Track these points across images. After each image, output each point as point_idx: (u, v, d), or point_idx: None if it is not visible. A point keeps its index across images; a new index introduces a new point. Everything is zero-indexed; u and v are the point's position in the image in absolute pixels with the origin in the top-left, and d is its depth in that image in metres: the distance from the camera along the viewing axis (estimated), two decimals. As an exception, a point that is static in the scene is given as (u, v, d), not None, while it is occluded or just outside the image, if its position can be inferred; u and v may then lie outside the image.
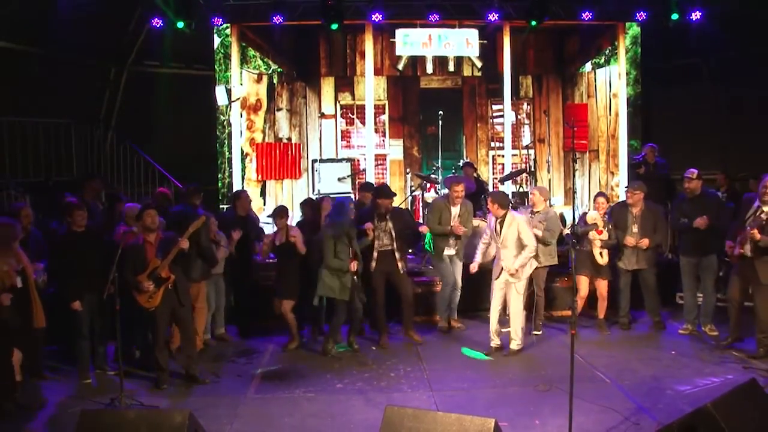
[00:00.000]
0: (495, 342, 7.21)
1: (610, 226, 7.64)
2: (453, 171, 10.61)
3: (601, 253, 7.60)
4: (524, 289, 7.12)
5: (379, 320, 7.58)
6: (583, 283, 7.65)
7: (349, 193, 11.14)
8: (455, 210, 7.79)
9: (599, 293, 7.77)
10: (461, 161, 11.00)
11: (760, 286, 6.64)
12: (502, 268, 7.02)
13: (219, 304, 7.70)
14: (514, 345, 7.11)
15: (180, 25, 9.61)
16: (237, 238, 7.54)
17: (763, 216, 6.47)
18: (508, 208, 7.07)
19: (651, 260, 7.77)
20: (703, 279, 7.55)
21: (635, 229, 7.64)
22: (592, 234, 7.52)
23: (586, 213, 7.88)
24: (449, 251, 7.83)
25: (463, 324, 8.07)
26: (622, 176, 11.24)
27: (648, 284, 7.83)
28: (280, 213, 7.46)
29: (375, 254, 7.41)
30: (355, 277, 7.13)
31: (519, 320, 7.07)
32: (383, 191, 7.62)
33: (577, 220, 7.71)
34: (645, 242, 7.56)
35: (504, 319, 7.25)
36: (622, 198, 11.01)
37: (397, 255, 7.44)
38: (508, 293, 7.07)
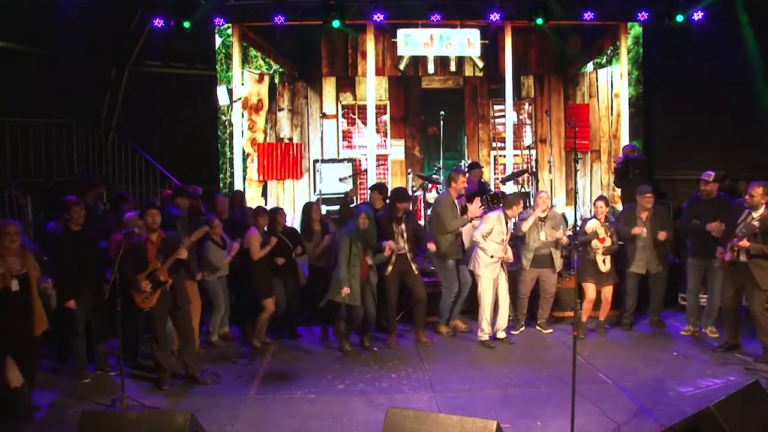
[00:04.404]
0: (498, 333, 7.57)
1: (612, 231, 7.63)
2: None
3: (604, 260, 7.59)
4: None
5: (390, 320, 7.60)
6: (589, 289, 7.63)
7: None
8: (459, 203, 7.80)
9: (604, 297, 7.75)
10: (463, 161, 11.00)
11: (757, 291, 6.61)
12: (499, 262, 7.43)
13: (226, 305, 7.72)
14: (503, 334, 7.51)
15: (186, 24, 9.63)
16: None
17: (755, 223, 6.50)
18: None
19: (662, 262, 7.76)
20: (710, 280, 7.51)
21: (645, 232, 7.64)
22: (595, 243, 7.49)
23: (586, 220, 7.84)
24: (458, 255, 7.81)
25: (467, 325, 8.04)
26: (623, 177, 11.20)
27: (658, 286, 7.85)
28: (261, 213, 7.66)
29: (392, 258, 7.37)
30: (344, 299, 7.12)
31: (507, 310, 7.53)
32: (402, 195, 7.59)
33: (578, 228, 7.73)
34: (663, 234, 7.54)
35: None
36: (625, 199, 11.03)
37: (409, 256, 7.45)
38: (500, 284, 7.43)
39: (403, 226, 7.44)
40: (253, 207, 8.61)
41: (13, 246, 5.60)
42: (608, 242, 7.54)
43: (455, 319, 8.03)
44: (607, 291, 7.71)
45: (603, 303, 7.75)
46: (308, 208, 8.13)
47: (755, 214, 6.55)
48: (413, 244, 7.56)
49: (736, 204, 6.93)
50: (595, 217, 7.70)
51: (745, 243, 6.47)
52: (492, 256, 7.38)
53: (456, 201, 7.78)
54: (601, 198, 7.86)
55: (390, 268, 7.38)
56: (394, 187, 8.35)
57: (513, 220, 7.65)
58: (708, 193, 7.43)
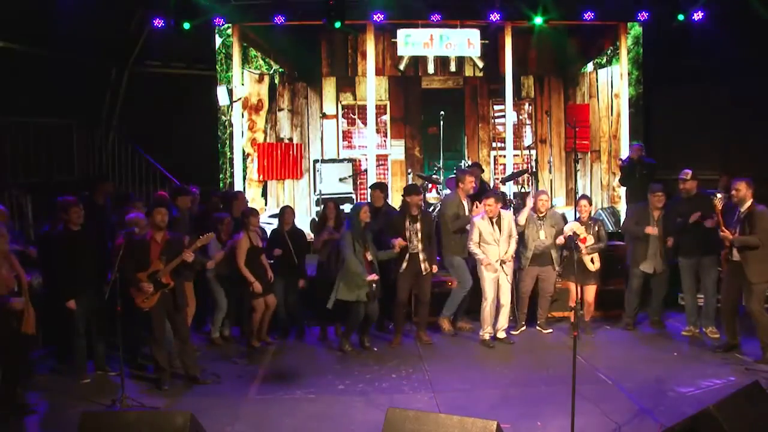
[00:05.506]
0: (498, 333, 7.56)
1: (596, 228, 7.63)
2: (454, 171, 10.59)
3: (592, 259, 7.58)
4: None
5: (398, 320, 7.61)
6: (571, 287, 7.63)
7: (351, 193, 11.13)
8: (467, 203, 7.84)
9: (585, 299, 7.73)
10: (463, 161, 10.99)
11: (753, 287, 6.63)
12: (499, 261, 7.40)
13: (228, 306, 7.73)
14: (503, 334, 7.51)
15: (186, 25, 9.65)
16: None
17: (741, 216, 6.58)
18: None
19: (667, 263, 7.76)
20: (703, 280, 7.54)
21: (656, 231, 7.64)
22: (581, 246, 7.47)
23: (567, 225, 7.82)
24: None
25: (471, 325, 8.01)
26: (624, 177, 11.19)
27: (661, 287, 7.86)
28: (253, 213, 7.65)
29: (407, 256, 7.38)
30: (374, 285, 7.11)
31: (508, 309, 7.54)
32: (411, 188, 7.64)
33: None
34: (669, 241, 7.57)
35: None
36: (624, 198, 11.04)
37: (421, 256, 7.42)
38: (501, 283, 7.41)
39: (418, 225, 7.42)
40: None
41: (5, 248, 5.63)
42: (590, 240, 7.52)
43: (460, 320, 8.02)
44: (590, 292, 7.70)
45: (585, 305, 7.74)
46: (325, 206, 8.13)
47: (742, 208, 6.63)
48: (427, 244, 7.52)
49: (730, 207, 6.93)
50: (578, 220, 7.70)
51: (728, 234, 6.51)
52: (488, 262, 7.36)
53: (464, 201, 7.81)
54: (583, 197, 7.88)
55: (404, 266, 7.38)
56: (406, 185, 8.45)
57: (510, 217, 7.59)
58: (687, 191, 7.52)
